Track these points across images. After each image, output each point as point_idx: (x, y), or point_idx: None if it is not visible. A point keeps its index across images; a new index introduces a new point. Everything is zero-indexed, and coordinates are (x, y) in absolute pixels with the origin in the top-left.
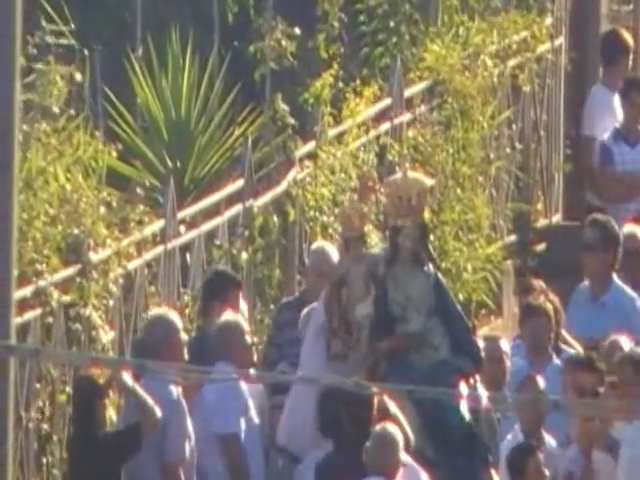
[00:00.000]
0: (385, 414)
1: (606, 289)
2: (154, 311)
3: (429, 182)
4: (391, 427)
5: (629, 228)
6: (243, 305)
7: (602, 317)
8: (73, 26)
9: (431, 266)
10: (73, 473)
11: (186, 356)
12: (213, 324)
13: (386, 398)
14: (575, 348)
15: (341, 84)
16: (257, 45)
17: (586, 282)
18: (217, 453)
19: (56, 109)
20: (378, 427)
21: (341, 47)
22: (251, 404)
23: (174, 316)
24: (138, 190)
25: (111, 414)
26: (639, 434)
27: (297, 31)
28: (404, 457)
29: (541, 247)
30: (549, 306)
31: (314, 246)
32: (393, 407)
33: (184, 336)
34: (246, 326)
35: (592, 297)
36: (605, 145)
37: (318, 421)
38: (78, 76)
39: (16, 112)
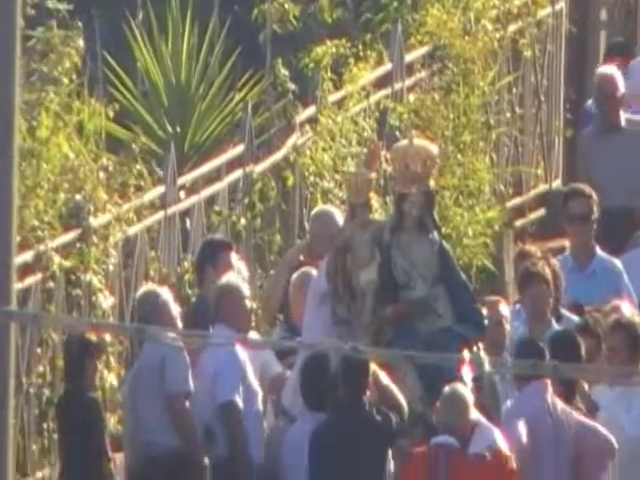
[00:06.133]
0: (378, 384)
1: (591, 258)
2: (141, 289)
3: (435, 150)
4: (461, 387)
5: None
6: (242, 266)
7: (591, 286)
8: None
9: (436, 233)
10: (61, 431)
11: (180, 324)
12: (209, 289)
13: (378, 370)
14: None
15: (342, 49)
16: (261, 7)
17: (567, 252)
18: (217, 420)
19: (65, 78)
20: (447, 388)
21: (344, 12)
22: (250, 370)
23: (161, 290)
24: (134, 146)
25: (112, 379)
26: (618, 399)
27: None
28: (476, 416)
29: (540, 212)
30: (548, 271)
31: (317, 210)
32: (385, 379)
33: (175, 307)
34: (246, 290)
35: (578, 267)
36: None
37: (303, 393)
38: (80, 42)
39: (16, 79)
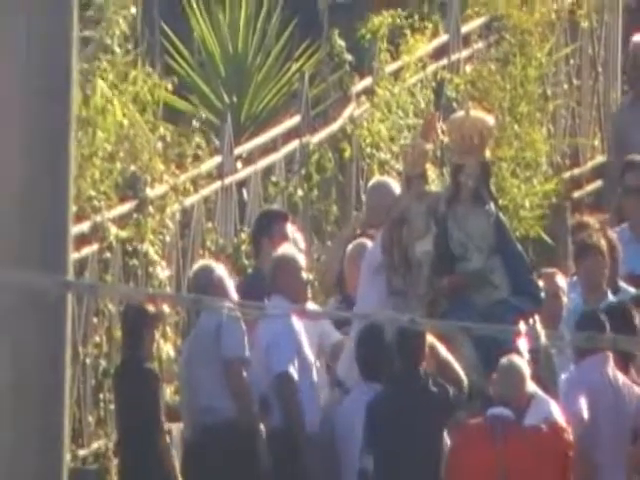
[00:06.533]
0: (437, 358)
1: None
2: (196, 264)
3: (492, 121)
4: (517, 359)
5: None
6: (298, 237)
7: None
8: None
9: (492, 205)
10: (117, 401)
11: (235, 297)
12: (265, 260)
13: (437, 343)
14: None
15: (399, 20)
16: None
17: (625, 225)
18: (272, 391)
19: (117, 48)
20: (504, 359)
21: None
22: (305, 341)
23: (216, 265)
24: (194, 122)
25: (168, 349)
26: None
27: None
28: (532, 388)
29: (597, 184)
30: (603, 243)
31: (374, 181)
32: (444, 352)
33: (230, 282)
34: (303, 261)
35: (636, 238)
36: None
37: (359, 363)
38: (132, 10)
39: (73, 48)
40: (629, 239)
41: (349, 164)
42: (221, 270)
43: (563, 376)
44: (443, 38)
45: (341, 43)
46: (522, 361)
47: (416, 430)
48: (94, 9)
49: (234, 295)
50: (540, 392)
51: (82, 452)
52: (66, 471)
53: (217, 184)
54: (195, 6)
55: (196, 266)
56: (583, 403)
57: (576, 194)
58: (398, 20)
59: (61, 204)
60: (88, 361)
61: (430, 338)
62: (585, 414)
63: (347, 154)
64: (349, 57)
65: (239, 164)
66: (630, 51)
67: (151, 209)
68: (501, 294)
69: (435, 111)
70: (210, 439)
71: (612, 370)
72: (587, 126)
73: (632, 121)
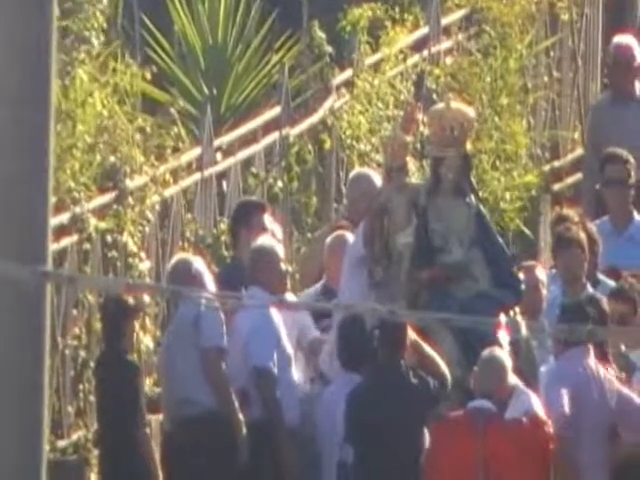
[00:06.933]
0: (420, 352)
1: (630, 221)
2: (174, 258)
3: (472, 113)
4: (499, 351)
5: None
6: (276, 228)
7: (629, 250)
8: None
9: (473, 197)
10: (98, 393)
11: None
12: (244, 251)
13: (419, 340)
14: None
15: (379, 12)
16: None
17: (605, 217)
18: (251, 383)
19: (95, 40)
20: (486, 351)
21: None
22: (284, 333)
23: (194, 258)
24: (172, 110)
25: (148, 341)
26: None
27: None
28: (514, 380)
29: (578, 176)
30: (583, 236)
31: (354, 173)
32: (427, 347)
33: (209, 275)
34: (281, 252)
35: (616, 231)
36: None
37: (340, 353)
38: (104, 1)
39: (53, 40)
40: (610, 232)
41: (329, 156)
42: (199, 263)
43: (543, 368)
44: (423, 30)
45: (321, 35)
46: (503, 353)
47: (396, 422)
48: (72, 1)
49: (212, 288)
50: (521, 385)
51: (61, 443)
52: (45, 462)
53: (197, 175)
54: None
55: (174, 259)
56: (565, 397)
57: (556, 187)
58: (378, 12)
59: (40, 195)
60: (67, 352)
61: (413, 335)
62: (567, 408)
63: (327, 146)
64: (329, 49)
65: (219, 156)
66: (611, 51)
67: (131, 200)
68: (481, 286)
69: (415, 103)
70: (189, 431)
71: (594, 363)
72: (567, 119)
73: (611, 119)
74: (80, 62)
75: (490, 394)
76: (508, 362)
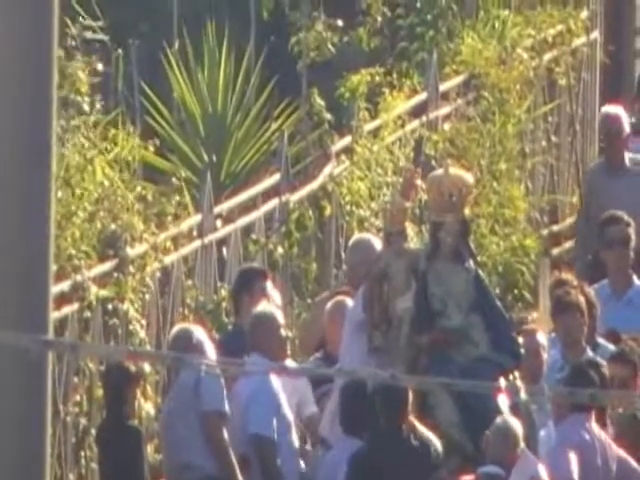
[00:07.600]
0: (422, 411)
1: (629, 285)
2: (174, 328)
3: (471, 178)
4: (512, 420)
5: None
6: (276, 295)
7: (628, 313)
8: (108, 21)
9: (471, 262)
10: (101, 460)
11: (213, 354)
12: (246, 317)
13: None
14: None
15: (378, 78)
16: (299, 35)
17: (605, 280)
18: (251, 449)
19: (86, 105)
20: (500, 419)
21: (383, 40)
22: (284, 400)
23: (195, 328)
24: (174, 180)
25: (149, 408)
26: None
27: (339, 23)
28: (521, 445)
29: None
30: (581, 300)
31: (355, 238)
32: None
33: (209, 345)
34: (281, 319)
35: (615, 294)
36: None
37: (342, 418)
38: (100, 66)
39: (53, 107)
40: (609, 296)
41: (329, 222)
42: (200, 333)
43: (542, 432)
44: (422, 96)
45: (320, 102)
46: (516, 422)
47: None
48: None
49: (213, 357)
50: (527, 450)
51: None
52: None
53: (197, 243)
54: (174, 65)
55: (175, 329)
56: (573, 462)
57: (555, 251)
58: (377, 78)
59: (41, 263)
60: (69, 419)
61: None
62: (575, 475)
63: (327, 212)
64: (328, 116)
65: (219, 222)
66: (600, 121)
67: (131, 268)
68: (481, 351)
69: (414, 169)
70: None
71: (597, 428)
72: (565, 183)
73: (603, 186)
74: (75, 127)
75: (502, 461)
76: (520, 430)
